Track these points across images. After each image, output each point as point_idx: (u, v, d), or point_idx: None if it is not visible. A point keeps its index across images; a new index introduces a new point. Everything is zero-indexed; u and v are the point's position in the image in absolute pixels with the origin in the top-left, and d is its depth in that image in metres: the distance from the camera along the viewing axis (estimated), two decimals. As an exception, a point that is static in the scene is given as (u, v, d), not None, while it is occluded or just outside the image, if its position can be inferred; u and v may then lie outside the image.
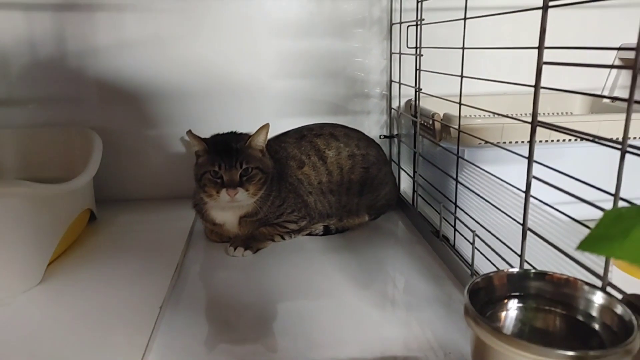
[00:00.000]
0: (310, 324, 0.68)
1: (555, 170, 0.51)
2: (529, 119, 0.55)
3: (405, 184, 1.16)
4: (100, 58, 1.11)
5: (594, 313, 0.43)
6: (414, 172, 1.02)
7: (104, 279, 0.80)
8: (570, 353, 0.35)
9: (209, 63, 1.14)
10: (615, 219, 0.27)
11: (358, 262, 0.87)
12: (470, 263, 0.74)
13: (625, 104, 0.41)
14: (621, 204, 0.40)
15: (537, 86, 0.52)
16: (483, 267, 0.73)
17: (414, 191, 1.04)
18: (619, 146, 0.40)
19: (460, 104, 0.76)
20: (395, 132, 1.20)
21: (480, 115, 0.94)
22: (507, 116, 0.62)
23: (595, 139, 0.44)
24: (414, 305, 0.74)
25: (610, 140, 0.42)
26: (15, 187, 0.70)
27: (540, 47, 0.51)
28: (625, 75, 1.09)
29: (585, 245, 0.27)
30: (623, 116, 0.41)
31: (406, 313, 0.72)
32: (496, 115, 0.67)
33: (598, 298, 0.43)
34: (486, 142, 0.73)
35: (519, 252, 0.59)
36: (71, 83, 1.12)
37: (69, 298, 0.74)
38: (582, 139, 0.45)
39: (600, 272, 0.46)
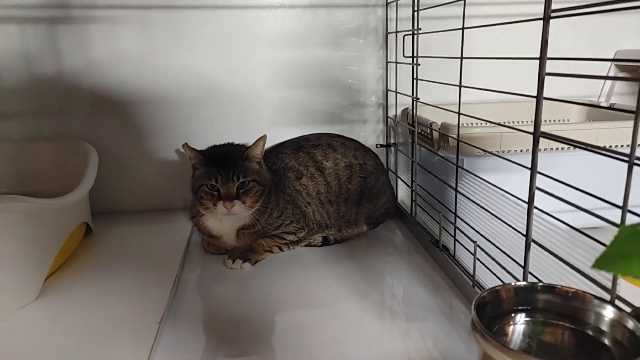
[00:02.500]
0: (309, 337, 0.68)
1: (558, 181, 0.51)
2: (528, 127, 0.55)
3: (403, 193, 1.16)
4: (94, 70, 1.10)
5: (604, 327, 0.43)
6: (412, 181, 1.02)
7: (101, 293, 0.79)
8: (582, 370, 0.35)
9: (203, 73, 1.13)
10: (631, 237, 0.26)
11: (357, 272, 0.87)
12: (472, 274, 0.73)
13: (623, 109, 0.41)
14: (629, 217, 0.39)
15: (539, 97, 0.52)
16: (484, 276, 0.72)
17: (412, 200, 1.04)
18: (627, 158, 0.40)
19: (459, 113, 0.76)
20: (392, 141, 1.20)
21: (478, 124, 0.94)
22: (508, 126, 0.61)
23: (601, 150, 0.43)
24: (414, 315, 0.73)
25: (618, 152, 0.42)
26: (12, 203, 0.68)
27: (542, 58, 0.50)
28: (622, 82, 1.09)
29: (601, 263, 0.26)
30: (621, 124, 0.41)
31: (407, 324, 0.71)
32: (495, 124, 0.67)
33: (608, 312, 0.43)
34: (485, 151, 0.73)
35: (522, 263, 0.59)
36: (65, 96, 1.11)
37: (67, 313, 0.73)
38: (587, 150, 0.44)
39: (607, 284, 0.45)
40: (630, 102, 1.01)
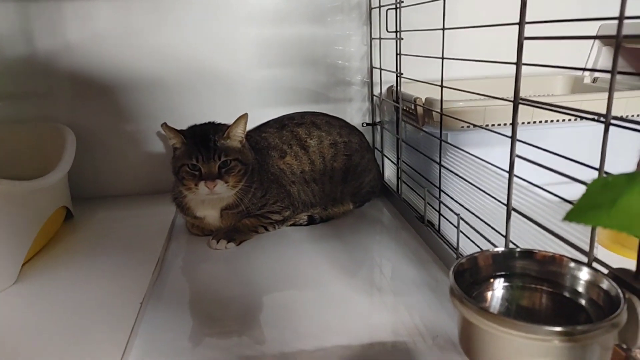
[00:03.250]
0: (296, 314, 0.67)
1: (538, 148, 0.51)
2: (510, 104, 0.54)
3: (389, 172, 1.15)
4: (71, 51, 1.07)
5: (581, 289, 0.42)
6: (398, 158, 1.01)
7: (82, 277, 0.77)
8: (558, 329, 0.35)
9: (184, 53, 1.11)
10: (602, 188, 0.26)
11: (344, 250, 0.86)
12: (456, 247, 0.73)
13: (606, 84, 0.40)
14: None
15: (518, 63, 0.51)
16: (469, 250, 0.72)
17: (398, 178, 1.03)
18: (603, 119, 0.40)
19: (442, 86, 0.75)
20: (377, 120, 1.19)
21: (462, 100, 0.93)
22: (489, 96, 0.61)
23: (578, 113, 0.43)
24: (401, 290, 0.73)
25: (594, 113, 0.41)
26: (-17, 184, 0.67)
27: (521, 23, 0.50)
28: (606, 55, 1.09)
29: (572, 215, 0.26)
30: (605, 95, 0.40)
31: (393, 299, 0.71)
32: (478, 98, 0.66)
33: (584, 274, 0.43)
34: (469, 124, 0.73)
35: (504, 233, 0.59)
36: (41, 78, 1.08)
37: (46, 297, 0.72)
38: (565, 114, 0.44)
39: (586, 248, 0.45)
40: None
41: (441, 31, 0.74)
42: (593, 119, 0.41)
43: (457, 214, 0.71)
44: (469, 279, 0.45)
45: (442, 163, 0.80)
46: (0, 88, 1.08)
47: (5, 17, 1.03)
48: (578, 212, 0.26)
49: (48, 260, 0.83)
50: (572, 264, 0.43)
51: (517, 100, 0.52)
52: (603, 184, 0.26)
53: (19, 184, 0.73)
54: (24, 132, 1.04)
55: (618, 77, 0.40)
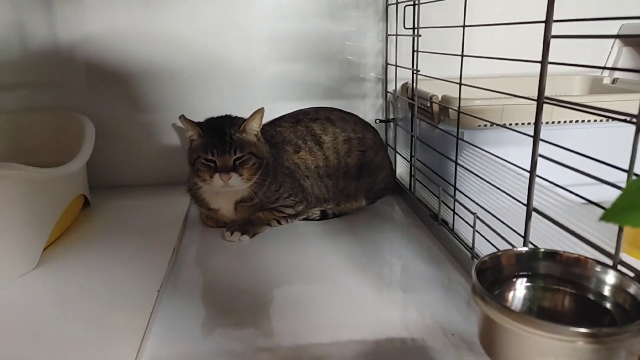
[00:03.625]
0: (309, 307, 0.68)
1: (562, 148, 0.50)
2: (529, 103, 0.54)
3: (402, 169, 1.15)
4: (90, 42, 1.08)
5: (606, 292, 0.42)
6: (411, 156, 1.01)
7: (100, 264, 0.78)
8: (584, 330, 0.34)
9: (201, 46, 1.11)
10: (639, 190, 0.26)
11: (356, 246, 0.86)
12: (471, 246, 0.73)
13: (626, 85, 0.40)
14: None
15: (544, 61, 0.51)
16: (484, 250, 0.72)
17: (411, 176, 1.03)
18: (635, 120, 0.39)
19: (460, 83, 0.75)
20: (391, 117, 1.18)
21: (479, 98, 0.93)
22: (510, 94, 0.60)
23: (607, 113, 0.42)
24: (412, 287, 0.73)
25: (624, 114, 0.41)
26: (7, 170, 0.67)
27: (548, 21, 0.49)
28: (627, 55, 1.08)
29: (609, 215, 0.26)
30: (625, 96, 0.40)
31: (405, 295, 0.71)
32: (495, 97, 0.65)
33: (610, 277, 0.42)
34: (487, 121, 0.72)
35: (522, 234, 0.59)
36: (60, 68, 1.09)
37: (66, 282, 0.73)
38: (594, 114, 0.43)
39: (609, 251, 0.45)
40: (634, 77, 0.99)
41: (458, 28, 0.73)
42: (624, 120, 0.41)
43: (474, 213, 0.70)
44: (490, 277, 0.45)
45: (458, 161, 0.79)
46: (21, 77, 1.09)
47: (29, 8, 1.04)
48: (615, 212, 0.25)
49: (67, 246, 0.84)
50: (598, 266, 0.43)
51: (541, 100, 0.52)
52: (641, 186, 0.26)
53: (41, 171, 0.74)
54: (43, 121, 1.05)
55: (638, 77, 0.39)
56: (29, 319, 0.63)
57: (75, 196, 0.91)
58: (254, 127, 0.89)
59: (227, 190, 0.88)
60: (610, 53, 1.09)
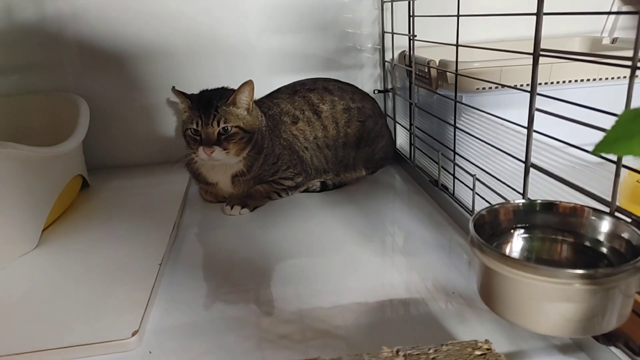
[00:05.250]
0: (312, 274, 0.68)
1: (559, 100, 0.50)
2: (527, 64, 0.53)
3: (402, 139, 1.14)
4: (80, 20, 1.06)
5: (602, 238, 0.42)
6: (410, 124, 1.00)
7: (101, 242, 0.79)
8: (580, 272, 0.34)
9: (193, 21, 1.09)
10: (633, 119, 0.25)
11: (357, 215, 0.86)
12: (471, 209, 0.73)
13: (626, 45, 0.39)
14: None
15: (539, 13, 0.50)
16: (484, 211, 0.72)
17: (411, 144, 1.02)
18: (629, 63, 0.39)
19: (457, 45, 0.74)
20: (389, 86, 1.17)
21: (477, 60, 0.92)
22: (506, 50, 0.59)
23: (602, 60, 0.42)
24: (415, 252, 0.73)
25: (619, 57, 0.40)
26: (1, 149, 0.67)
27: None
28: (626, 16, 1.05)
29: (601, 146, 0.25)
30: (625, 53, 0.39)
31: (406, 258, 0.72)
32: (493, 59, 0.64)
33: (606, 223, 0.42)
34: (486, 81, 0.71)
35: (521, 191, 0.58)
36: (50, 48, 1.08)
37: (67, 260, 0.73)
38: (590, 62, 0.43)
39: (608, 199, 0.45)
40: (634, 35, 0.97)
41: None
42: (620, 64, 0.40)
43: (473, 175, 0.70)
44: (489, 231, 0.45)
45: (457, 125, 0.79)
46: (12, 60, 1.08)
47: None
48: (608, 142, 0.25)
49: (67, 226, 0.84)
50: (594, 214, 0.43)
51: (537, 52, 0.51)
52: (634, 115, 0.25)
53: (35, 150, 0.74)
54: (37, 103, 1.04)
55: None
56: (31, 296, 0.64)
57: (72, 176, 0.91)
58: (243, 99, 0.87)
59: (221, 164, 0.88)
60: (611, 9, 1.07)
